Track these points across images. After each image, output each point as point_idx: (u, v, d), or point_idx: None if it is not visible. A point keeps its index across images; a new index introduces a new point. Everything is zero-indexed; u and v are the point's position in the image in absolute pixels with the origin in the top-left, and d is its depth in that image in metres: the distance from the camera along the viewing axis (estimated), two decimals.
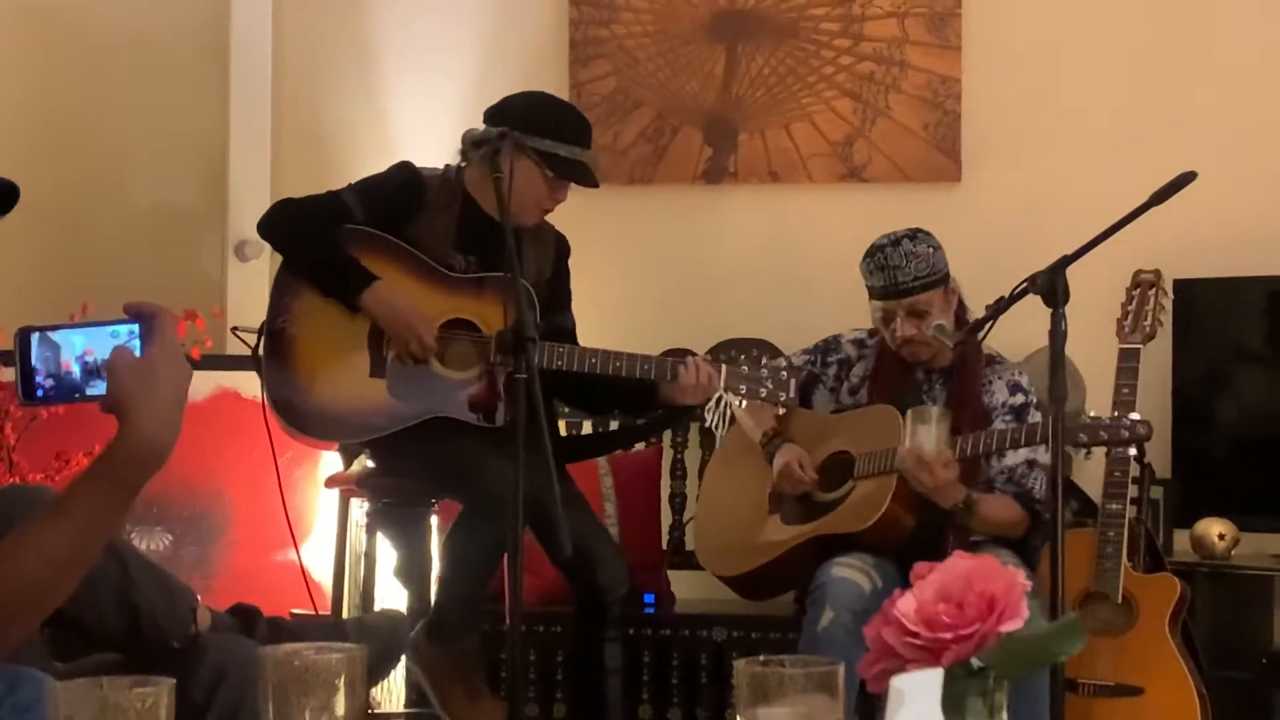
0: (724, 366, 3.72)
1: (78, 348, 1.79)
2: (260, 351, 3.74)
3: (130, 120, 5.23)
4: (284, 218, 3.79)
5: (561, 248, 3.98)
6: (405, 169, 3.85)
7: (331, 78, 5.11)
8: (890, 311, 3.87)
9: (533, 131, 3.72)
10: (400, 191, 3.81)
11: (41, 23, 5.27)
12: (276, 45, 5.09)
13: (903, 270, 3.84)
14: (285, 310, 3.75)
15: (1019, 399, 3.90)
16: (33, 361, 1.78)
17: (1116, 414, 3.60)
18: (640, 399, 3.81)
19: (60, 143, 5.25)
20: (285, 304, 3.76)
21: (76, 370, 1.79)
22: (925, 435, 3.61)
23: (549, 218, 3.92)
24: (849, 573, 3.64)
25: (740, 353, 4.60)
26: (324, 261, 3.75)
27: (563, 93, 4.92)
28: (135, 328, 1.79)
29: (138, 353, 1.78)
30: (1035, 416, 3.85)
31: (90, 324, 1.81)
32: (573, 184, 3.79)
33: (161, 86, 5.20)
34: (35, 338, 1.79)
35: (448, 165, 3.86)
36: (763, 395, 3.71)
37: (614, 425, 4.56)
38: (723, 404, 3.70)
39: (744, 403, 3.73)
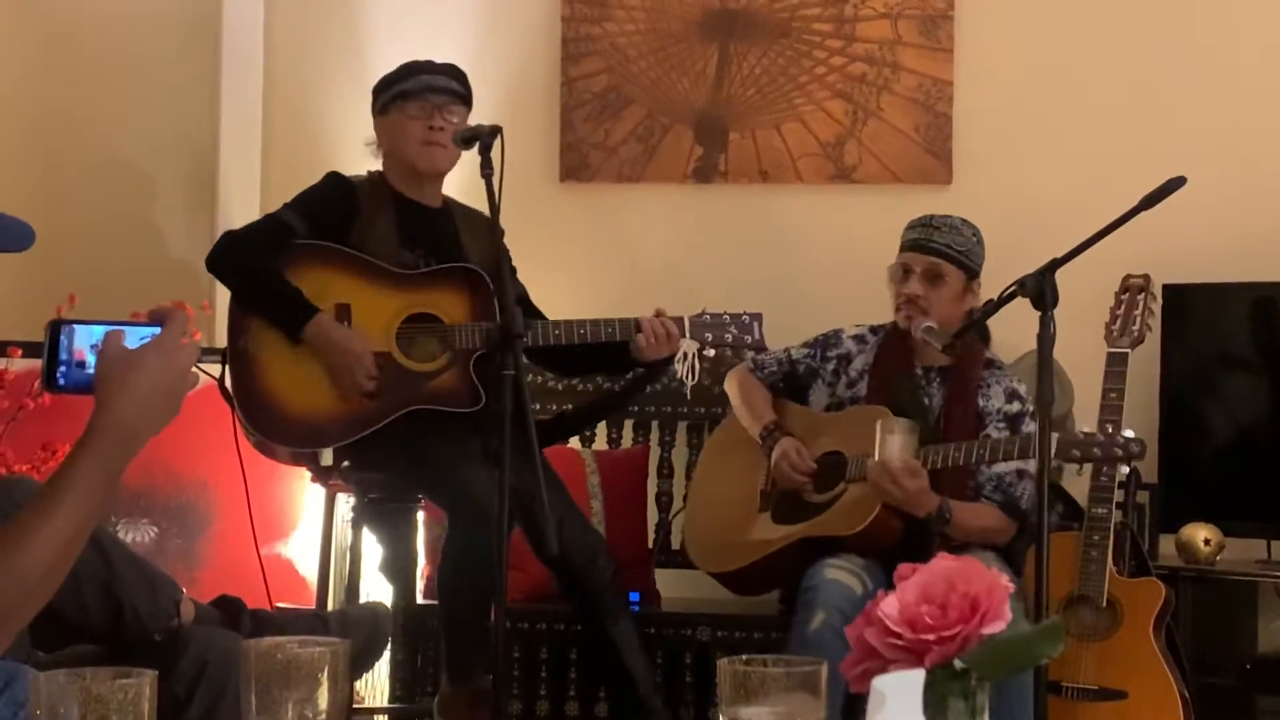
0: (685, 318, 3.76)
1: (94, 337, 1.87)
2: (227, 379, 3.76)
3: (120, 110, 5.21)
4: (227, 254, 3.82)
5: (495, 230, 4.02)
6: (334, 177, 3.93)
7: (322, 71, 5.10)
8: (909, 265, 3.89)
9: (378, 94, 3.93)
10: (334, 200, 3.88)
11: (29, 9, 5.26)
12: (268, 37, 5.09)
13: (940, 232, 3.89)
14: (245, 331, 3.79)
15: (1015, 407, 3.89)
16: (60, 353, 1.88)
17: (1110, 430, 3.59)
18: (617, 359, 3.85)
19: (48, 131, 5.23)
20: (245, 324, 3.79)
21: (89, 358, 1.88)
22: (891, 446, 3.63)
23: (476, 204, 3.95)
24: (841, 575, 3.63)
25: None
26: (266, 298, 3.78)
27: (554, 90, 4.94)
28: (157, 330, 1.87)
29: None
30: (1030, 426, 3.82)
31: (118, 323, 1.90)
32: (430, 101, 3.83)
33: (152, 76, 5.18)
34: (64, 330, 1.89)
35: (370, 171, 3.95)
36: (729, 340, 3.76)
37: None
38: (689, 356, 3.72)
39: (714, 351, 3.76)
